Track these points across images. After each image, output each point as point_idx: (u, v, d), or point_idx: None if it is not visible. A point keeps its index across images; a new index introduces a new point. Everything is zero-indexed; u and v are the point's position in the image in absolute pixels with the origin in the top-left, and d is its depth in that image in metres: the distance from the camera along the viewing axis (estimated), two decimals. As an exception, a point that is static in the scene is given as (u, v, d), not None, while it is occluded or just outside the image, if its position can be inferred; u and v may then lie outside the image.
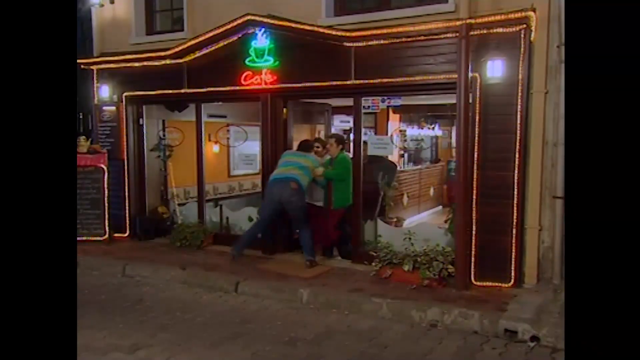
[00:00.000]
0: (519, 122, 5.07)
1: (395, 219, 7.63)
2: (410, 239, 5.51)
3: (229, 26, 6.35)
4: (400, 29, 5.41)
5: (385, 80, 5.63)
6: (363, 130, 6.20)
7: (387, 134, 8.77)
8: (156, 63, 7.07)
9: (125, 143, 7.56)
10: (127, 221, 7.56)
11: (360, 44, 5.71)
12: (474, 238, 5.25)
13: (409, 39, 5.43)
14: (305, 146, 6.54)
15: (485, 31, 5.06)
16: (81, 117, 12.63)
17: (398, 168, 9.43)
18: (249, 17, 6.18)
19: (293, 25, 5.98)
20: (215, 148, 8.60)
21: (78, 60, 7.74)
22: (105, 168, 7.29)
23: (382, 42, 5.58)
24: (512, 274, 5.15)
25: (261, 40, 6.23)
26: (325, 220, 6.36)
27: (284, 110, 6.62)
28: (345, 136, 7.50)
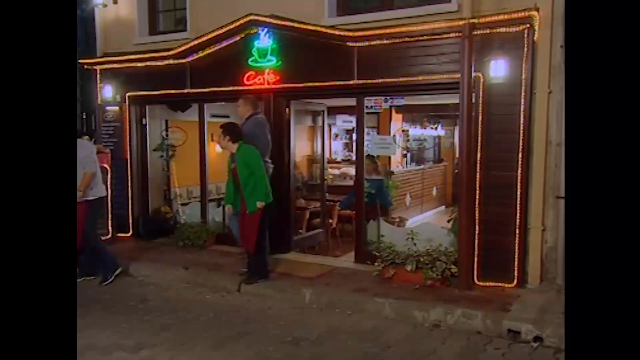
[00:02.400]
0: (522, 122, 5.07)
1: (398, 219, 7.63)
2: (413, 239, 5.51)
3: (231, 26, 6.36)
4: (403, 29, 5.40)
5: (388, 80, 5.62)
6: (366, 130, 6.19)
7: (389, 134, 8.75)
8: (159, 63, 7.09)
9: (128, 143, 7.57)
10: (131, 221, 7.57)
11: (363, 44, 5.70)
12: (477, 238, 5.24)
13: (411, 39, 5.42)
14: None
15: (488, 31, 5.05)
16: (84, 117, 12.67)
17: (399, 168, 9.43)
18: (251, 17, 6.18)
19: (296, 25, 5.98)
20: (218, 148, 8.60)
21: (81, 61, 7.78)
22: (108, 168, 7.30)
23: (384, 42, 5.58)
24: (516, 274, 5.14)
25: (264, 40, 6.23)
26: (245, 225, 5.50)
27: (287, 110, 6.62)
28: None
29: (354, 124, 6.44)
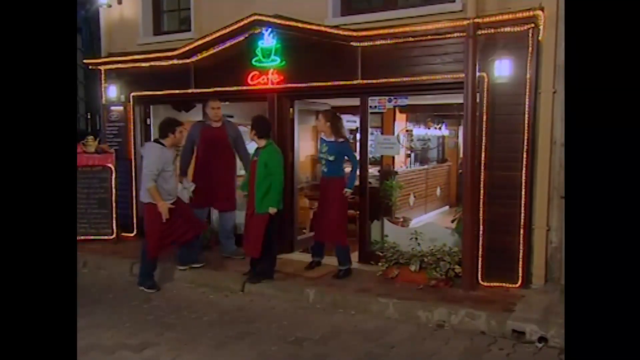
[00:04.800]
0: (526, 121, 5.05)
1: (401, 219, 7.61)
2: (416, 239, 5.50)
3: (235, 26, 6.36)
4: (407, 29, 5.39)
5: (391, 80, 5.61)
6: (370, 130, 6.18)
7: (393, 134, 8.73)
8: (163, 63, 7.10)
9: (132, 143, 7.59)
10: (135, 221, 7.58)
11: (366, 44, 5.70)
12: (481, 238, 5.22)
13: (415, 39, 5.41)
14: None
15: (492, 30, 5.04)
16: (89, 117, 12.71)
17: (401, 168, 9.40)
18: (255, 17, 6.19)
19: (300, 25, 5.98)
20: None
21: (86, 61, 7.83)
22: (112, 168, 7.32)
23: (388, 41, 5.57)
24: (520, 274, 5.12)
25: (268, 40, 6.23)
26: (251, 226, 5.46)
27: (291, 110, 6.62)
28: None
29: (357, 124, 6.41)
